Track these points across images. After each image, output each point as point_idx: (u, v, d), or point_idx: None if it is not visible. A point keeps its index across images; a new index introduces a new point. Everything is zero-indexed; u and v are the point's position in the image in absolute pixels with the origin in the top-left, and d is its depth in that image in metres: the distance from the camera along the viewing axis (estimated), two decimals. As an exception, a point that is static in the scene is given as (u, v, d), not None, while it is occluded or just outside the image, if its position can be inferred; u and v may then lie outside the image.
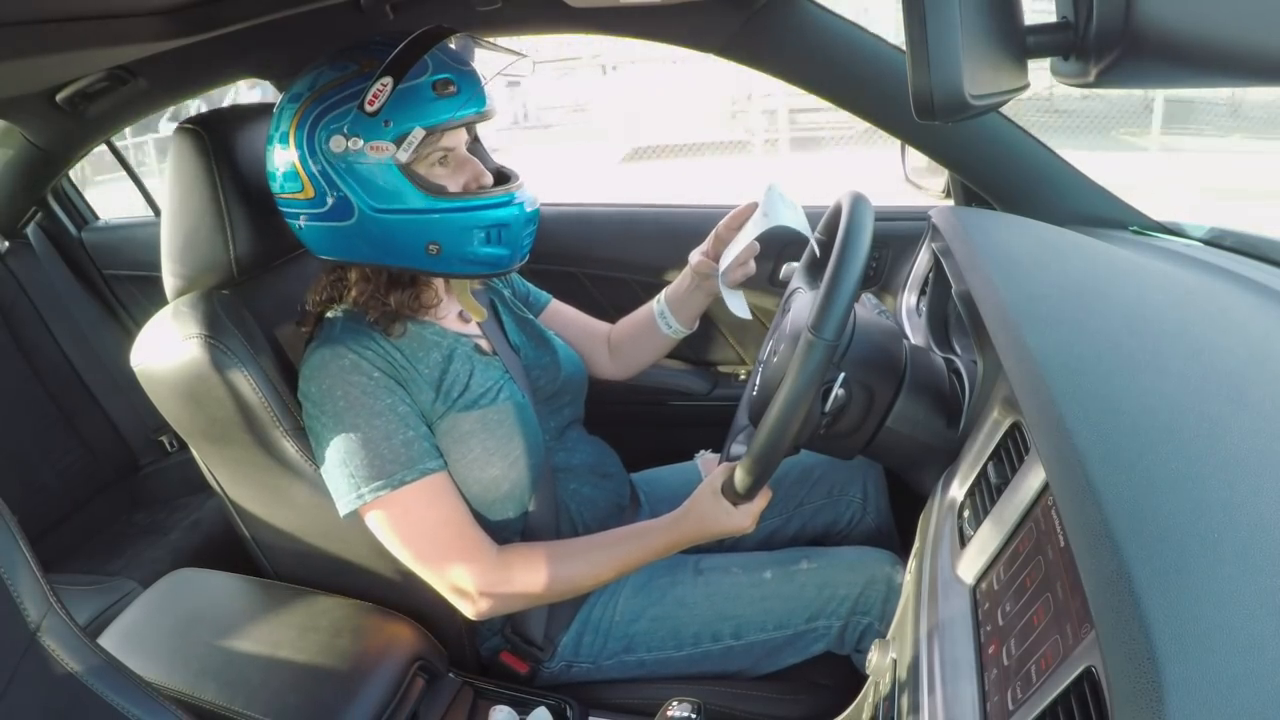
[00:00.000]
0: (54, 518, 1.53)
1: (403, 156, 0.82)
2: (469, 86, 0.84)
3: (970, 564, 0.64)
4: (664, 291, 1.13)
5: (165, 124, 5.45)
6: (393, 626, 0.95)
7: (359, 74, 0.81)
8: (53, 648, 0.63)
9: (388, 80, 0.79)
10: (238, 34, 1.05)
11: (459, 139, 0.88)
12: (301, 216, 0.87)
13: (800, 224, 0.94)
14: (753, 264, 1.03)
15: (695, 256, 1.05)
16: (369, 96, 0.80)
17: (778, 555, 1.03)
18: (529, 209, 0.90)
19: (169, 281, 0.97)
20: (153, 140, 6.49)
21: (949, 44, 0.43)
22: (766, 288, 1.42)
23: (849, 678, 0.97)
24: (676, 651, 0.97)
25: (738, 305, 1.00)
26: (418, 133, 0.81)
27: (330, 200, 0.84)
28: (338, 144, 0.81)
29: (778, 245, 1.37)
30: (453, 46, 0.87)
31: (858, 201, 0.80)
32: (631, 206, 1.62)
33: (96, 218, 1.83)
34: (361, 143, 0.81)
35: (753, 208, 0.98)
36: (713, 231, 1.03)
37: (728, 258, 0.98)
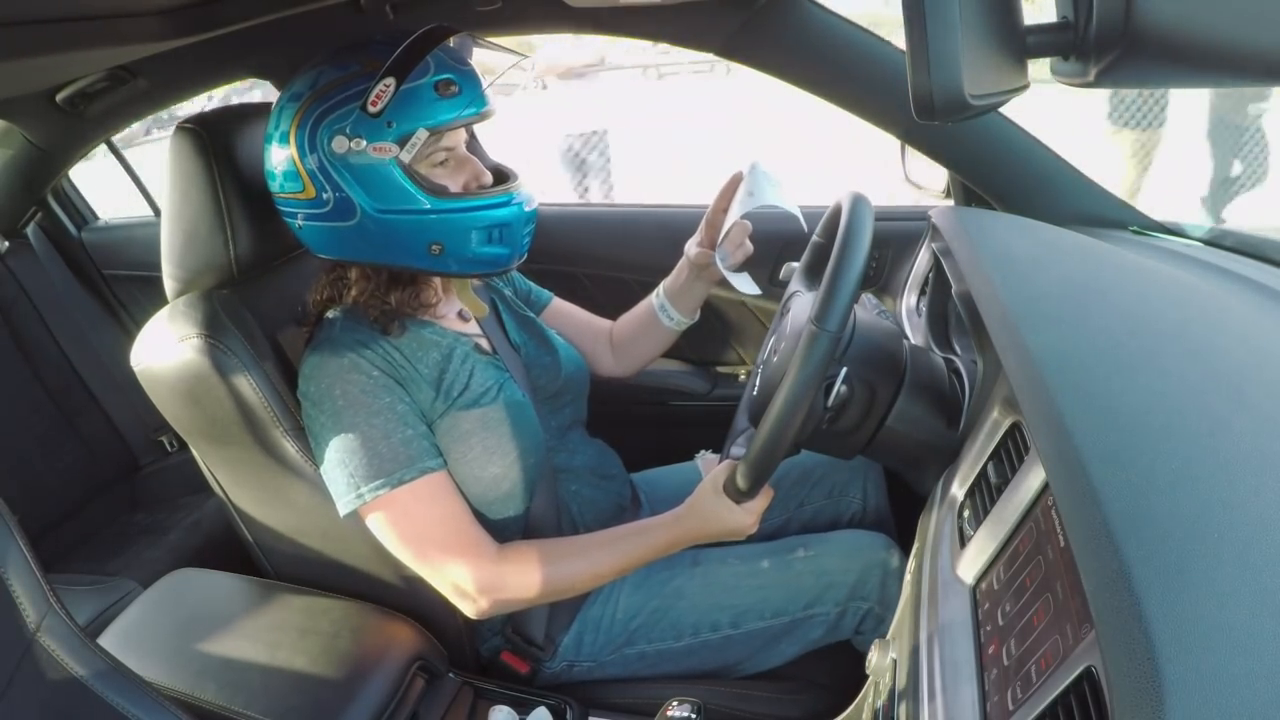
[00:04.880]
0: (54, 518, 1.53)
1: (405, 157, 0.82)
2: (471, 87, 0.84)
3: (970, 564, 0.64)
4: (661, 285, 1.13)
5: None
6: (393, 627, 0.95)
7: (361, 74, 0.81)
8: (52, 648, 0.63)
9: (390, 81, 0.79)
10: (238, 34, 1.05)
11: (459, 138, 0.88)
12: (300, 215, 0.87)
13: (786, 201, 0.94)
14: (749, 244, 1.03)
15: (692, 249, 1.05)
16: (371, 97, 0.80)
17: (774, 545, 1.04)
18: (528, 208, 0.90)
19: (169, 281, 0.97)
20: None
21: (949, 44, 0.42)
22: (767, 289, 1.42)
23: (849, 678, 0.96)
24: (676, 642, 0.97)
25: (745, 284, 1.00)
26: (421, 134, 0.81)
27: (331, 200, 0.84)
28: (340, 144, 0.81)
29: (778, 245, 1.37)
30: (451, 45, 0.87)
31: (858, 201, 0.80)
32: (631, 206, 1.62)
33: (96, 218, 1.83)
34: (364, 143, 0.81)
35: (736, 181, 0.98)
36: (703, 219, 1.04)
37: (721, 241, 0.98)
